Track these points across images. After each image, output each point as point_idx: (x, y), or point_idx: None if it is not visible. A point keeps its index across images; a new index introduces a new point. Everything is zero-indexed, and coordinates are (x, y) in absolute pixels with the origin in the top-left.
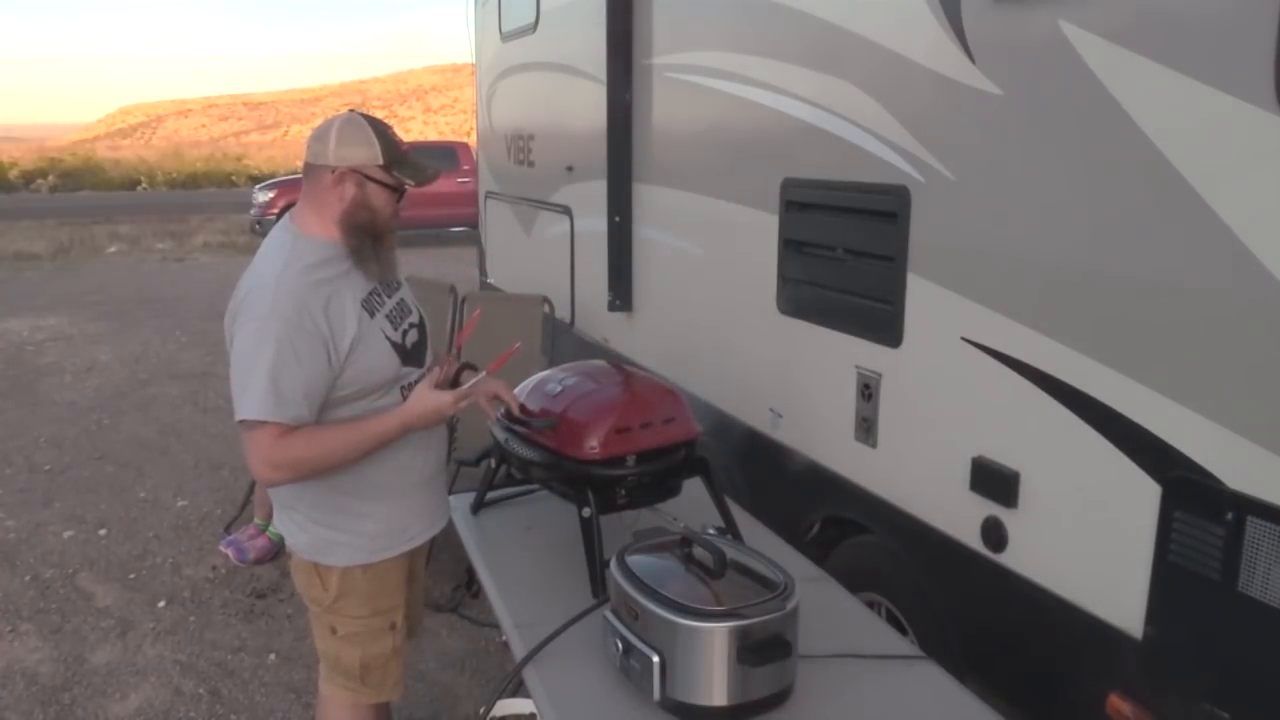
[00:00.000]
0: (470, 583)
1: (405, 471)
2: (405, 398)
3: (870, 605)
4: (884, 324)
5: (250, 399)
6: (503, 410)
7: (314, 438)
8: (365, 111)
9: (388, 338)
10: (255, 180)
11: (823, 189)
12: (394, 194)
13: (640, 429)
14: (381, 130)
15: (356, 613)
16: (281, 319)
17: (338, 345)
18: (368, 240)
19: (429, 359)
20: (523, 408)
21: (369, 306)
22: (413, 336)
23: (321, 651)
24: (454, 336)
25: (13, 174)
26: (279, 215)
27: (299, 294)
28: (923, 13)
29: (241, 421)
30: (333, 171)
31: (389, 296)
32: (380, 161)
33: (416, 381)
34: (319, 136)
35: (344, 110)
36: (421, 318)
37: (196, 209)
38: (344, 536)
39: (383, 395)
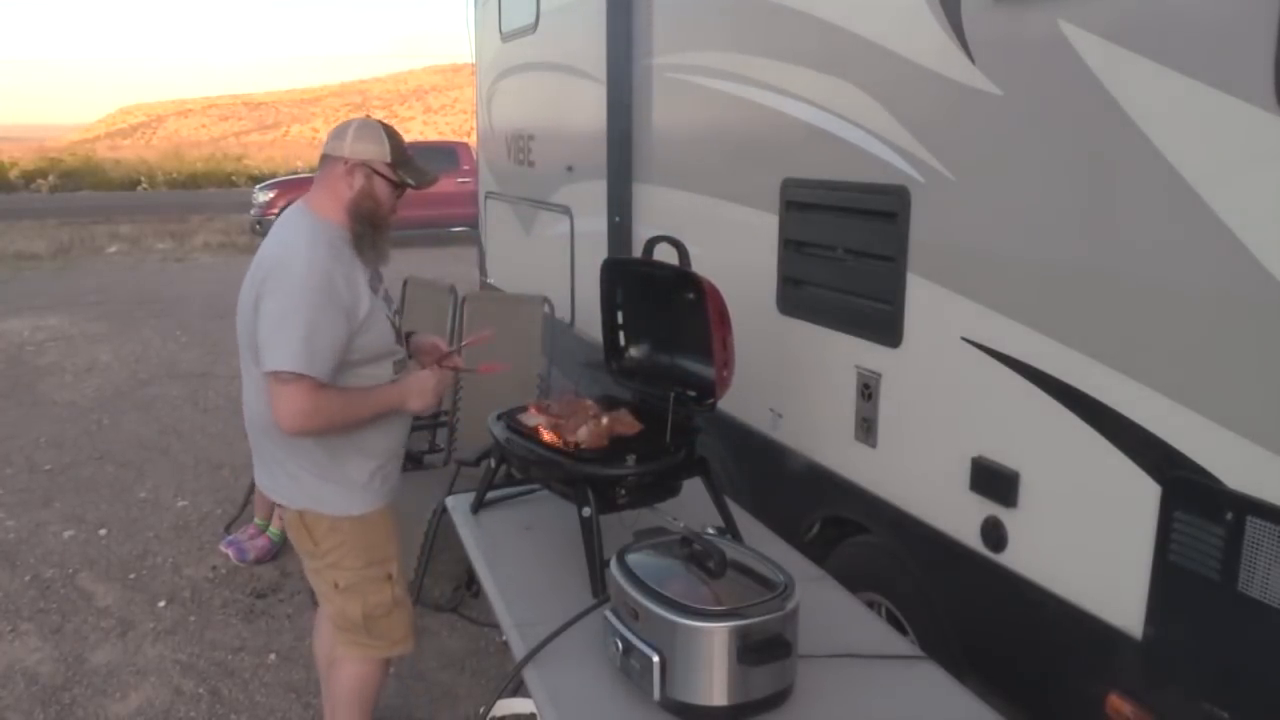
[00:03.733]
0: (470, 583)
1: (388, 430)
2: (395, 372)
3: (870, 605)
4: (884, 324)
5: (285, 354)
6: None
7: (343, 395)
8: (380, 119)
9: (386, 315)
10: (255, 180)
11: (823, 189)
12: (395, 190)
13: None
14: (392, 134)
15: (352, 564)
16: (314, 287)
17: (355, 314)
18: (369, 228)
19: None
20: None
21: (373, 285)
22: (397, 320)
23: (331, 613)
24: (454, 336)
25: (13, 174)
26: (279, 215)
27: (326, 265)
28: (923, 13)
29: (275, 375)
30: (345, 163)
31: (380, 283)
32: (388, 159)
33: (401, 361)
34: (338, 133)
35: (358, 115)
36: (398, 308)
37: (197, 209)
38: (333, 487)
39: (379, 365)
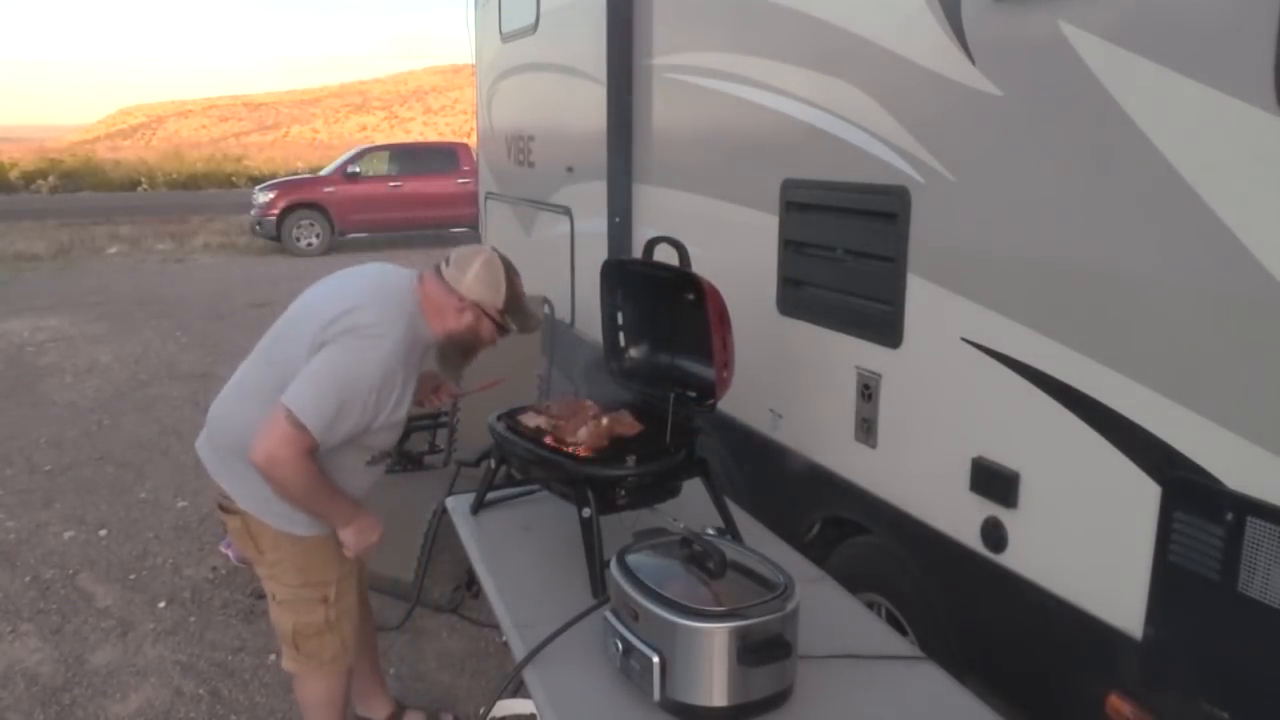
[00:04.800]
0: (470, 583)
1: (355, 481)
2: (370, 461)
3: (870, 605)
4: (884, 324)
5: (310, 406)
6: None
7: (315, 476)
8: (505, 258)
9: (402, 419)
10: (255, 181)
11: (823, 190)
12: (500, 330)
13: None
14: (512, 279)
15: (290, 581)
16: (378, 374)
17: (391, 416)
18: (460, 355)
19: None
20: None
21: (416, 396)
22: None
23: (271, 619)
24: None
25: (13, 174)
26: (279, 216)
27: (398, 366)
28: (923, 13)
29: (288, 410)
30: (461, 299)
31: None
32: (500, 306)
33: (386, 454)
34: (461, 263)
35: (487, 248)
36: None
37: (197, 210)
38: (284, 507)
39: (366, 452)
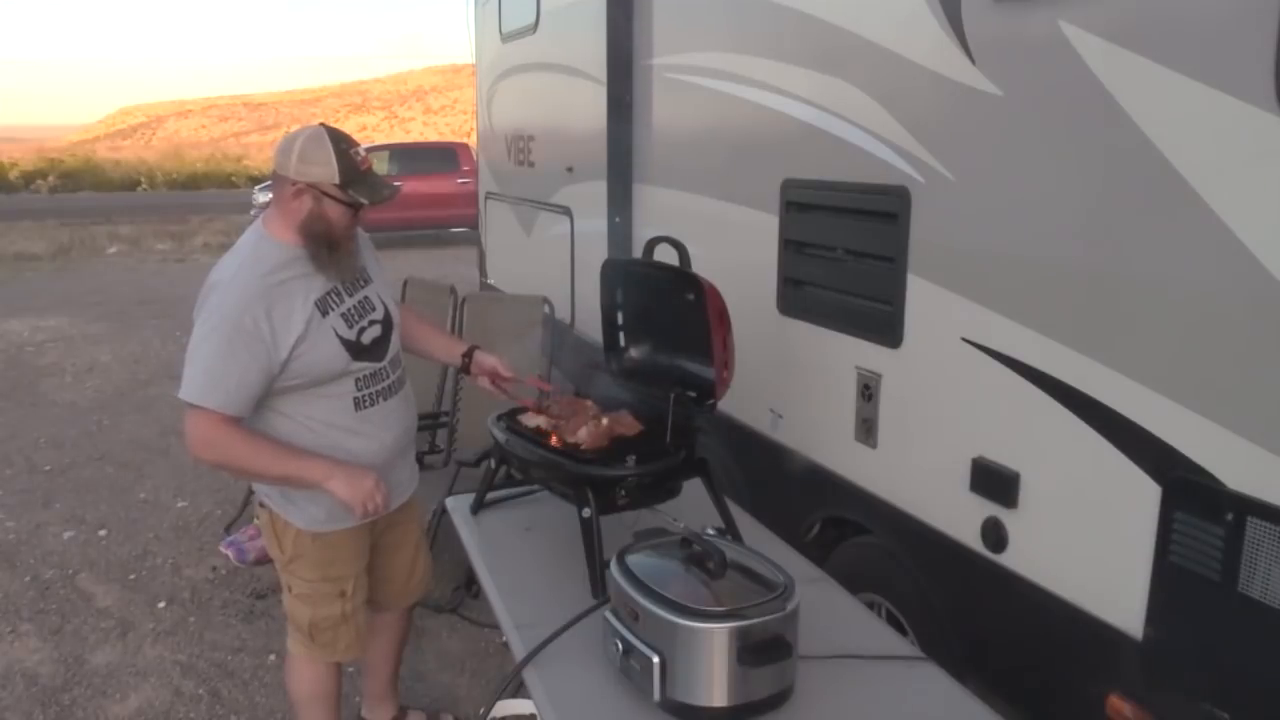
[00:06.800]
0: (470, 583)
1: (355, 459)
2: (359, 388)
3: (870, 605)
4: (884, 324)
5: (188, 383)
6: None
7: (249, 441)
8: (332, 126)
9: (339, 336)
10: (255, 181)
11: (823, 189)
12: (349, 208)
13: None
14: (343, 149)
15: (308, 576)
16: (226, 318)
17: (278, 344)
18: (324, 248)
19: (392, 351)
20: None
21: (323, 306)
22: (372, 332)
23: (285, 609)
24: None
25: (13, 174)
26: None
27: (247, 296)
28: (923, 13)
29: (183, 401)
30: (293, 184)
31: (350, 295)
32: (336, 181)
33: (373, 375)
34: (284, 149)
35: (311, 125)
36: (387, 314)
37: (197, 210)
38: (300, 503)
39: (334, 384)
